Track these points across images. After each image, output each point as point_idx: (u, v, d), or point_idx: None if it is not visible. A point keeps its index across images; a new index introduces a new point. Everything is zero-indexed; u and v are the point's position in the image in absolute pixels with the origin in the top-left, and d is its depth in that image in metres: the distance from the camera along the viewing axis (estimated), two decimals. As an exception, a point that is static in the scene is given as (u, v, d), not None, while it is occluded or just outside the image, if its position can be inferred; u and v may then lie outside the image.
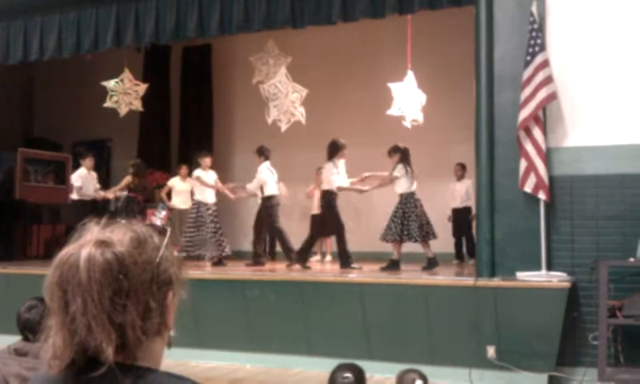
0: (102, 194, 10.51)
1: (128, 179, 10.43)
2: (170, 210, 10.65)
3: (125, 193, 10.35)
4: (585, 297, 6.07)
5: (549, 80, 6.16)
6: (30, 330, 3.05)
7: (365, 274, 7.68)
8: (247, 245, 10.33)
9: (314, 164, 10.05)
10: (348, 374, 2.91)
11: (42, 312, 2.95)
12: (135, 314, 1.13)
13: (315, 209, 10.24)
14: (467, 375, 6.18)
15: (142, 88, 10.45)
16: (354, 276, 7.42)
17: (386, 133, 9.18)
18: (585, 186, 6.23)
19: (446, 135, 10.73)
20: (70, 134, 13.54)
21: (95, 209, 10.02)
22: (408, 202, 8.09)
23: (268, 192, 9.18)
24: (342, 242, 8.40)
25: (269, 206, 9.19)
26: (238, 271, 8.32)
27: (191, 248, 9.33)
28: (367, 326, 6.63)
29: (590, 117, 6.30)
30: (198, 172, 9.70)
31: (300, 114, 9.12)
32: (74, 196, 10.32)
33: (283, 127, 9.17)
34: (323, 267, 9.61)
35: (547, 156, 6.22)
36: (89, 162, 10.58)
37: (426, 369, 3.25)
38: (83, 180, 10.35)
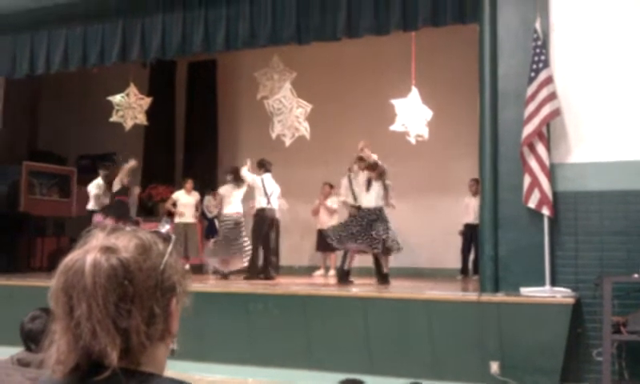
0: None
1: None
2: (174, 224, 10.64)
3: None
4: (589, 313, 6.05)
5: (552, 96, 6.18)
6: (32, 340, 3.06)
7: (367, 288, 7.66)
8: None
9: (318, 179, 10.05)
10: (351, 389, 2.90)
11: (45, 322, 2.95)
12: (140, 319, 1.14)
13: (322, 224, 10.20)
14: (470, 391, 6.15)
15: (147, 101, 10.46)
16: (356, 290, 7.41)
17: (390, 148, 9.19)
18: (589, 201, 6.23)
19: (450, 151, 10.74)
20: (75, 148, 13.61)
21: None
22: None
23: (258, 205, 9.36)
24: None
25: (256, 220, 9.36)
26: (241, 284, 8.31)
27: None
28: (370, 340, 6.60)
29: (594, 133, 6.31)
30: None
31: (304, 128, 9.15)
32: (91, 205, 10.34)
33: (287, 142, 9.19)
34: (326, 281, 9.59)
35: (551, 172, 6.22)
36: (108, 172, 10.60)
37: (429, 384, 3.24)
38: (100, 189, 10.41)
